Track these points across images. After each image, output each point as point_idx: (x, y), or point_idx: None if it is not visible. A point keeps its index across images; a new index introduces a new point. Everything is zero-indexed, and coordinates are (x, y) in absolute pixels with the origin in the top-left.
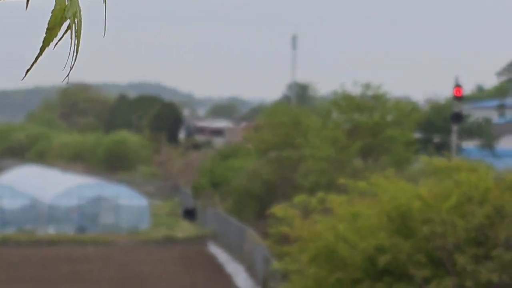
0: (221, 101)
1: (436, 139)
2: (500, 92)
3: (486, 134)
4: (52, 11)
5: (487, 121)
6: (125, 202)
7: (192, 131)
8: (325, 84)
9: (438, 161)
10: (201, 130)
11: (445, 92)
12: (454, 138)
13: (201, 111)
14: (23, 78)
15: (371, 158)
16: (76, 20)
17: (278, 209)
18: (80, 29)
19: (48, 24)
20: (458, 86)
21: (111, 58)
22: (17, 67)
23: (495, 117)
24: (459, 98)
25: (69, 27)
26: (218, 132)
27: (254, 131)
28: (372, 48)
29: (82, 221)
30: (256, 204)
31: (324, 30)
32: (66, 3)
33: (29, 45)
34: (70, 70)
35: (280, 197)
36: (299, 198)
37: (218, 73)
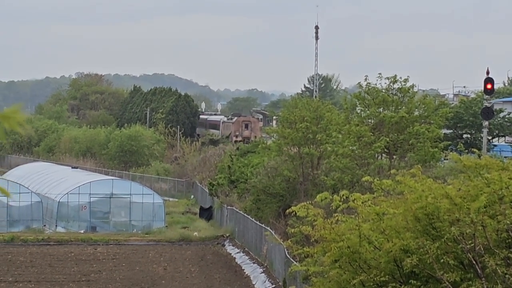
0: (240, 93)
1: (466, 135)
2: None
3: None
4: None
5: None
6: (138, 200)
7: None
8: (348, 77)
9: (468, 158)
10: (202, 124)
11: (475, 85)
12: (484, 134)
13: (219, 104)
14: None
15: (397, 155)
16: None
17: (299, 207)
18: None
19: None
20: (489, 79)
21: (124, 49)
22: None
23: None
24: (490, 92)
25: None
26: (214, 125)
27: (244, 126)
28: (398, 39)
29: (92, 219)
30: (275, 203)
31: (347, 21)
32: None
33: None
34: None
35: (301, 195)
36: (321, 196)
37: (236, 64)
